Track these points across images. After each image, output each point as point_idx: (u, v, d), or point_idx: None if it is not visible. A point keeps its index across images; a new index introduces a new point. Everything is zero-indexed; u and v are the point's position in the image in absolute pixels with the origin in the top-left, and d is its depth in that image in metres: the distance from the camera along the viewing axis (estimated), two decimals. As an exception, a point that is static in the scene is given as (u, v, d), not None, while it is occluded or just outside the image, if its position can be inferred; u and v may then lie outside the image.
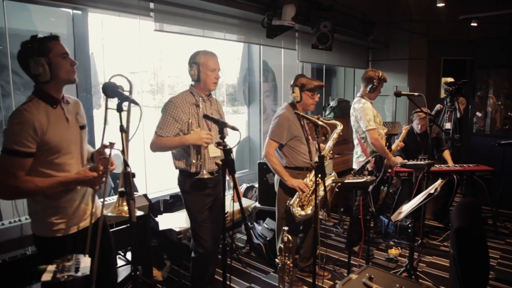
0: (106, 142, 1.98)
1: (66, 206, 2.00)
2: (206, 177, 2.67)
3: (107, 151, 1.98)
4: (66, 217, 2.00)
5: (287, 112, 3.26)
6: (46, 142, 1.87)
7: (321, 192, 3.06)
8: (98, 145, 2.18)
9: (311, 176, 3.20)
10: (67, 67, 1.94)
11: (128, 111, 1.88)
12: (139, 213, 2.05)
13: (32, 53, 1.85)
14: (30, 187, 1.83)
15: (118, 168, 1.98)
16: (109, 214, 1.89)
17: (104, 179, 1.97)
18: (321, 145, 3.21)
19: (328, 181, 3.13)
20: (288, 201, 3.20)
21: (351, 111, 3.95)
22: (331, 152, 3.33)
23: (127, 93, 1.89)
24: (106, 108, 1.89)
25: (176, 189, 4.21)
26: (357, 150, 3.97)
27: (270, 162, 3.22)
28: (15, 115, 1.82)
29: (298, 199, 3.16)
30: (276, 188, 3.37)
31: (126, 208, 1.81)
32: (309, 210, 3.14)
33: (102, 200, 2.02)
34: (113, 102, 1.86)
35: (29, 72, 1.89)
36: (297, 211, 3.13)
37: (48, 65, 1.86)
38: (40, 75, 1.86)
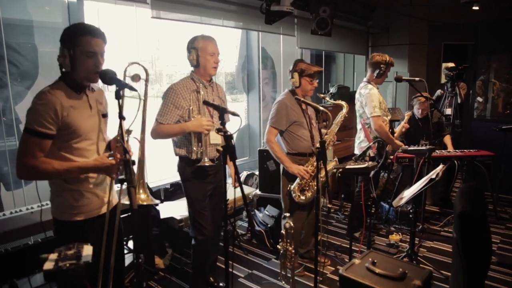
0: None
1: (85, 191, 2.01)
2: (207, 164, 2.66)
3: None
4: (85, 202, 2.01)
5: (286, 98, 3.25)
6: (67, 126, 1.88)
7: (321, 178, 3.09)
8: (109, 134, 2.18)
9: (313, 161, 3.20)
10: (89, 66, 1.90)
11: (145, 101, 1.91)
12: (155, 201, 2.06)
13: (61, 41, 1.88)
14: (47, 169, 1.84)
15: (134, 156, 1.97)
16: (126, 202, 1.89)
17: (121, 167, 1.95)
18: (323, 130, 3.21)
19: (330, 166, 3.12)
20: (289, 186, 3.24)
21: (357, 96, 3.91)
22: (334, 137, 3.30)
23: (143, 81, 1.91)
24: (122, 97, 1.82)
25: (176, 178, 4.21)
26: (360, 135, 3.95)
27: (271, 149, 3.24)
28: (39, 96, 1.83)
29: (298, 185, 3.20)
30: (281, 174, 3.40)
31: (142, 196, 1.90)
32: (309, 194, 3.19)
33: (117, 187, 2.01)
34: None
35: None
36: (298, 196, 3.19)
37: (70, 58, 1.85)
38: (61, 64, 1.89)
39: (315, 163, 3.18)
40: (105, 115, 2.14)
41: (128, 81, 1.99)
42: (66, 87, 1.92)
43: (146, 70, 2.07)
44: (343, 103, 3.29)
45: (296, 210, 3.30)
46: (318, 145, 3.17)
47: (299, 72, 3.19)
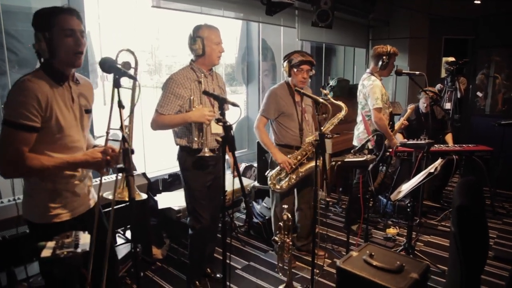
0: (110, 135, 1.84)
1: (64, 190, 1.87)
2: (207, 155, 2.65)
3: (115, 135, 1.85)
4: (64, 202, 1.87)
5: (278, 88, 3.26)
6: (48, 118, 1.73)
7: (300, 172, 3.19)
8: (98, 126, 2.12)
9: (297, 154, 3.21)
10: (69, 46, 1.73)
11: (133, 89, 1.81)
12: (143, 196, 1.98)
13: (34, 26, 1.71)
14: (35, 165, 1.69)
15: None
16: (110, 197, 1.81)
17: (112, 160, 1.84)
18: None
19: (311, 163, 3.15)
20: (267, 172, 3.29)
21: (360, 87, 3.89)
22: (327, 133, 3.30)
23: (132, 70, 1.78)
24: (114, 88, 1.71)
25: (174, 168, 4.21)
26: (360, 127, 3.93)
27: (259, 136, 3.31)
28: (18, 86, 1.67)
29: (277, 173, 3.24)
30: (269, 163, 3.44)
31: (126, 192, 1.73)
32: (285, 186, 3.21)
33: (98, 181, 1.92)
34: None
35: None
36: (273, 184, 3.24)
37: (46, 41, 1.70)
38: (38, 52, 1.73)
39: (299, 157, 3.21)
40: (88, 111, 1.98)
41: None
42: (47, 77, 1.75)
43: (135, 58, 1.93)
44: (343, 106, 3.22)
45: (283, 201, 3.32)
46: (309, 138, 3.20)
47: (288, 61, 3.18)
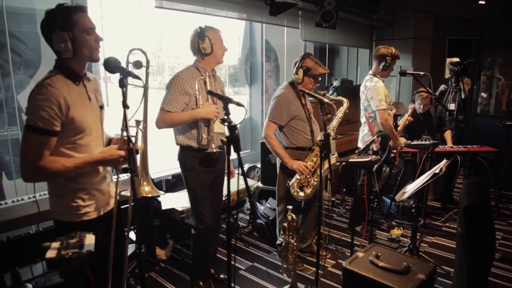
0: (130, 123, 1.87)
1: (92, 189, 1.92)
2: (215, 151, 2.65)
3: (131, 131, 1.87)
4: (92, 200, 1.92)
5: (286, 91, 3.22)
6: (70, 121, 1.76)
7: (324, 172, 3.08)
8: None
9: (312, 156, 3.18)
10: (91, 44, 1.81)
11: (145, 89, 1.86)
12: (161, 192, 2.01)
13: (55, 27, 1.71)
14: (57, 168, 1.71)
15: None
16: (128, 194, 1.83)
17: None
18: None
19: (332, 160, 3.10)
20: (288, 182, 3.21)
21: (362, 89, 3.87)
22: (334, 130, 3.29)
23: (144, 69, 1.85)
24: (126, 85, 1.76)
25: (178, 169, 4.19)
26: (364, 129, 3.92)
27: (270, 144, 3.20)
28: (39, 90, 1.69)
29: (297, 181, 3.15)
30: (278, 169, 3.36)
31: (147, 188, 1.83)
32: (308, 191, 3.14)
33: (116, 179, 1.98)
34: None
35: (52, 47, 1.77)
36: (296, 192, 3.14)
37: (71, 41, 1.73)
38: (62, 51, 1.75)
39: (314, 158, 3.17)
40: (102, 107, 2.03)
41: (131, 68, 1.90)
42: (65, 78, 1.78)
43: (146, 57, 1.98)
44: (343, 99, 3.27)
45: (293, 202, 3.28)
46: (319, 137, 3.18)
47: (305, 70, 3.14)
